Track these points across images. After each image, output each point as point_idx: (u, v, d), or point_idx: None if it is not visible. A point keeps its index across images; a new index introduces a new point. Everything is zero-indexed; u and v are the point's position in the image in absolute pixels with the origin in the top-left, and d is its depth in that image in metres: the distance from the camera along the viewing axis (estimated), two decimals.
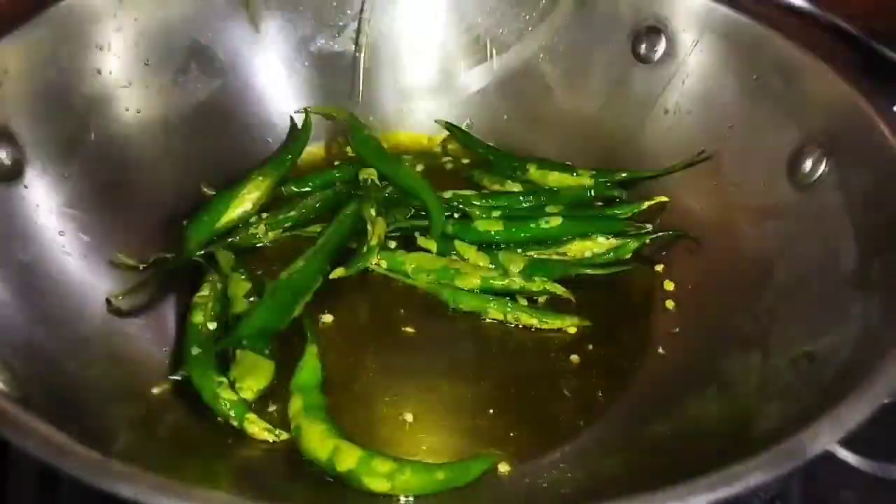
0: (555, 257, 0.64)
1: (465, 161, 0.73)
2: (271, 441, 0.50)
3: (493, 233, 0.64)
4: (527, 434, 0.52)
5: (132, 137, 0.63)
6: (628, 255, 0.63)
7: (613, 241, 0.64)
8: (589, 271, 0.62)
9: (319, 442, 0.49)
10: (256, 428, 0.50)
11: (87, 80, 0.61)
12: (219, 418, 0.51)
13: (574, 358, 0.57)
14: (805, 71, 0.59)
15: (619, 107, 0.70)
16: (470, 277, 0.60)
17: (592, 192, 0.67)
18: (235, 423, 0.50)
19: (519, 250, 0.64)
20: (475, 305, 0.60)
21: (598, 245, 0.64)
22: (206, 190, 0.66)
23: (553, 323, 0.59)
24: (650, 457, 0.49)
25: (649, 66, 0.68)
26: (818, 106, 0.59)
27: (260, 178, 0.66)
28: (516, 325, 0.59)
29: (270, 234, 0.64)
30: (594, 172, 0.68)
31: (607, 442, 0.52)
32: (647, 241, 0.64)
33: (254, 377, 0.53)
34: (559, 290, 0.60)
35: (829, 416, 0.37)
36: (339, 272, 0.60)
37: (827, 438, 0.36)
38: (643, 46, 0.68)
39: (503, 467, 0.50)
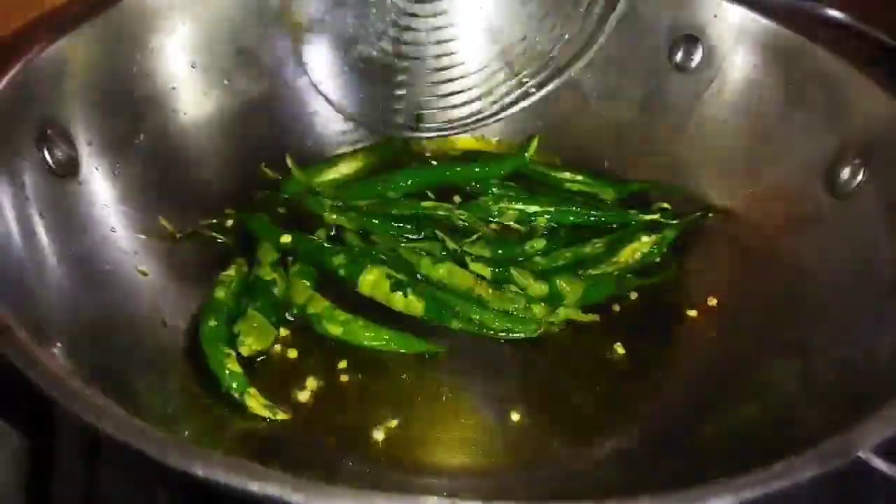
0: (609, 269, 0.63)
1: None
2: (268, 419, 0.51)
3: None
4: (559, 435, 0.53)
5: (180, 138, 0.65)
6: (665, 250, 0.64)
7: (654, 237, 0.64)
8: (640, 282, 0.62)
9: (301, 292, 0.59)
10: (255, 403, 0.52)
11: (138, 81, 0.63)
12: (223, 389, 0.52)
13: (612, 358, 0.58)
14: (843, 80, 0.60)
15: (655, 115, 0.71)
16: (492, 304, 0.59)
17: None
18: (236, 395, 0.52)
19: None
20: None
21: (644, 244, 0.64)
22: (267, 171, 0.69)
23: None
24: (689, 459, 0.49)
25: (686, 74, 0.69)
26: (856, 115, 0.59)
27: (361, 154, 0.72)
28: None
29: (334, 217, 0.66)
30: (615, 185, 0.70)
31: (645, 447, 0.52)
32: (680, 229, 0.65)
33: (255, 337, 0.55)
34: (585, 318, 0.59)
35: (878, 415, 0.38)
36: None
37: (875, 436, 0.36)
38: (680, 55, 0.69)
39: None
